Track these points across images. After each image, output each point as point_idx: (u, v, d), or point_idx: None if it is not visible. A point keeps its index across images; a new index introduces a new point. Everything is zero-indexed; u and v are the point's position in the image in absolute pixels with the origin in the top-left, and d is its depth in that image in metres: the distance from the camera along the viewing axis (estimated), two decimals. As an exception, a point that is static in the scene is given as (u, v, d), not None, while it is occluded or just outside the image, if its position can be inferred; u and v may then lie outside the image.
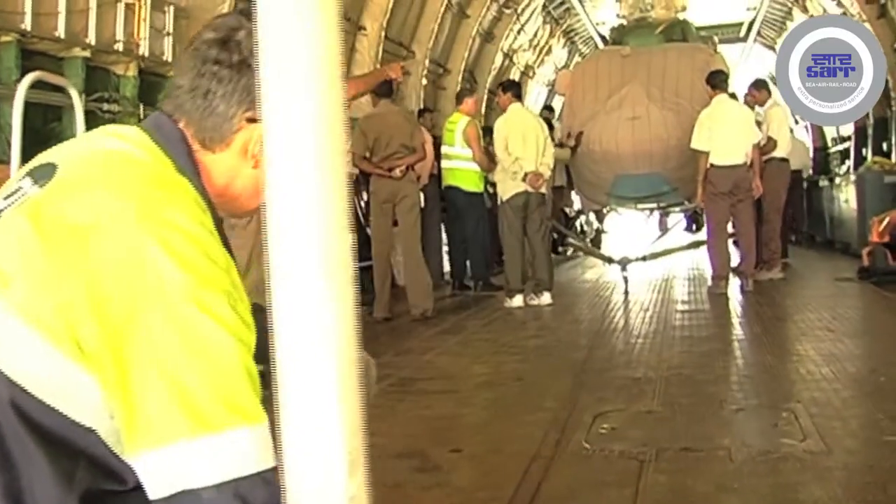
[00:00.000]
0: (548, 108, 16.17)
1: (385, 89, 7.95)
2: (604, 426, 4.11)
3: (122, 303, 1.14)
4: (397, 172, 7.59)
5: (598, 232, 16.43)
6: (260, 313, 1.67)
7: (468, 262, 10.00)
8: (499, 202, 8.64)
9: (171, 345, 1.12)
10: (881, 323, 7.07)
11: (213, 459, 1.11)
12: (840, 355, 5.47)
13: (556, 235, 13.73)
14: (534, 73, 17.69)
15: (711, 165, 8.72)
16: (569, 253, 14.90)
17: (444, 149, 9.52)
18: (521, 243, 8.66)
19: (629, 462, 3.51)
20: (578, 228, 15.88)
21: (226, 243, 1.30)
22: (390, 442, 4.04)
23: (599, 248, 15.25)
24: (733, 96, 10.59)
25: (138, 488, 1.15)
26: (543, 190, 8.65)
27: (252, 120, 1.36)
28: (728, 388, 4.77)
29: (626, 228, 20.08)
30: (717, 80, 9.08)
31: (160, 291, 1.14)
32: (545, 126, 8.96)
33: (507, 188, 8.46)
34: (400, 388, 5.17)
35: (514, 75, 16.29)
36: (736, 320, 7.30)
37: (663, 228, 17.77)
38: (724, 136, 8.65)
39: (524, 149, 8.35)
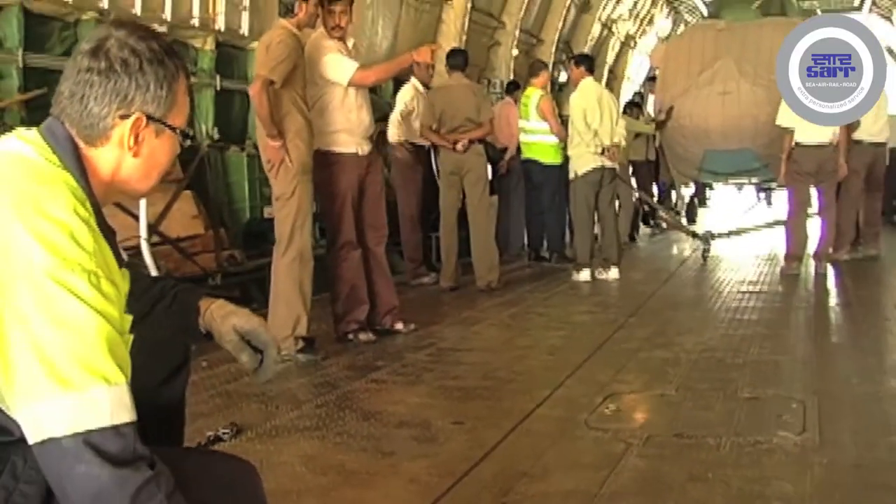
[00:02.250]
0: (651, 79, 15.88)
1: (459, 61, 8.08)
2: (610, 407, 4.20)
3: None
4: (459, 146, 7.68)
5: (692, 206, 16.16)
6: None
7: (545, 235, 10.07)
8: (571, 176, 8.64)
9: (35, 317, 1.37)
10: (946, 314, 6.82)
11: (71, 413, 1.36)
12: (885, 348, 5.37)
13: (646, 208, 13.63)
14: (635, 43, 17.40)
15: (796, 144, 8.52)
16: (664, 226, 14.71)
17: (520, 122, 9.57)
18: (592, 218, 8.69)
19: (616, 445, 3.60)
20: (672, 202, 15.67)
21: (104, 228, 1.54)
22: (402, 410, 4.24)
23: (695, 221, 15.06)
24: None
25: (24, 438, 1.40)
26: (615, 164, 8.63)
27: (125, 116, 1.60)
28: (751, 374, 4.74)
29: (727, 202, 19.67)
30: (805, 57, 8.82)
31: (26, 270, 1.38)
32: (615, 99, 8.92)
33: (584, 163, 8.44)
34: (435, 359, 5.34)
35: (614, 46, 16.09)
36: (795, 303, 7.15)
37: (765, 200, 17.44)
38: (810, 115, 8.42)
39: (601, 122, 8.36)
